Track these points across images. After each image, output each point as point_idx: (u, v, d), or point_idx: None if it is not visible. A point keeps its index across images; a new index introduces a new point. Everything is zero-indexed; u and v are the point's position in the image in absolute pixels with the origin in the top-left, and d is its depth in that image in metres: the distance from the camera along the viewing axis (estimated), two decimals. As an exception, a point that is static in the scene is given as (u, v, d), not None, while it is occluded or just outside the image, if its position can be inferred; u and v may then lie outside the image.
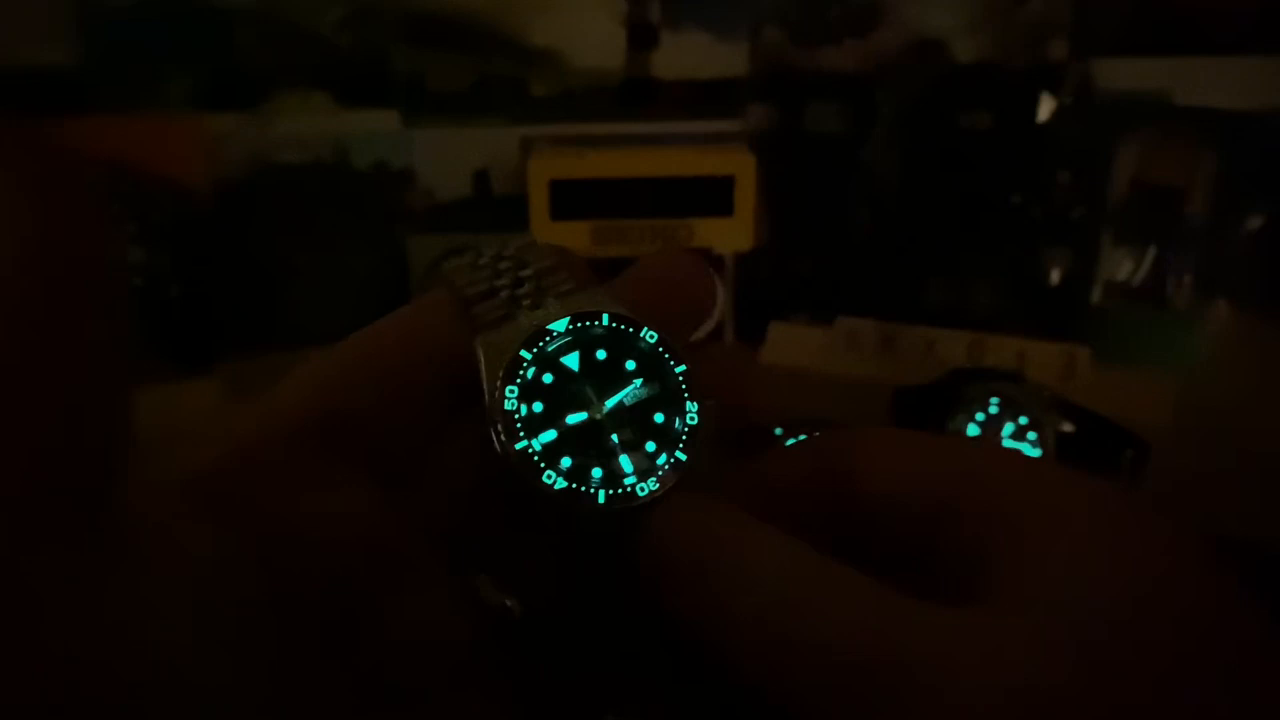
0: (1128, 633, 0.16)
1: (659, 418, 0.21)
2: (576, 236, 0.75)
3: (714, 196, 0.75)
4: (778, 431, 0.60)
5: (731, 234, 0.76)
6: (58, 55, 0.78)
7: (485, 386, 0.20)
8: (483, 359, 0.20)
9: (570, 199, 0.75)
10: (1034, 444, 0.55)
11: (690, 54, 0.81)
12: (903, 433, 0.20)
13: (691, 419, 0.21)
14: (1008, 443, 0.56)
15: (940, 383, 0.62)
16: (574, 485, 0.19)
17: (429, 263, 0.80)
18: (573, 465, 0.20)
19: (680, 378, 0.21)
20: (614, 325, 0.21)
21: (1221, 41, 0.77)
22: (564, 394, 0.20)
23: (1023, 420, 0.56)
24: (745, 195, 0.75)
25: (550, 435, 0.20)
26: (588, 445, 0.20)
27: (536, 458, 0.20)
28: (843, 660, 0.16)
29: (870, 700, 0.16)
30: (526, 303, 0.21)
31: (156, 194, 0.78)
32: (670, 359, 0.21)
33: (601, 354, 0.21)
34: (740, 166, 0.75)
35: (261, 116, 0.80)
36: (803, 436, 0.59)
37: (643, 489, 0.20)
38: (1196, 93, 0.78)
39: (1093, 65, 0.79)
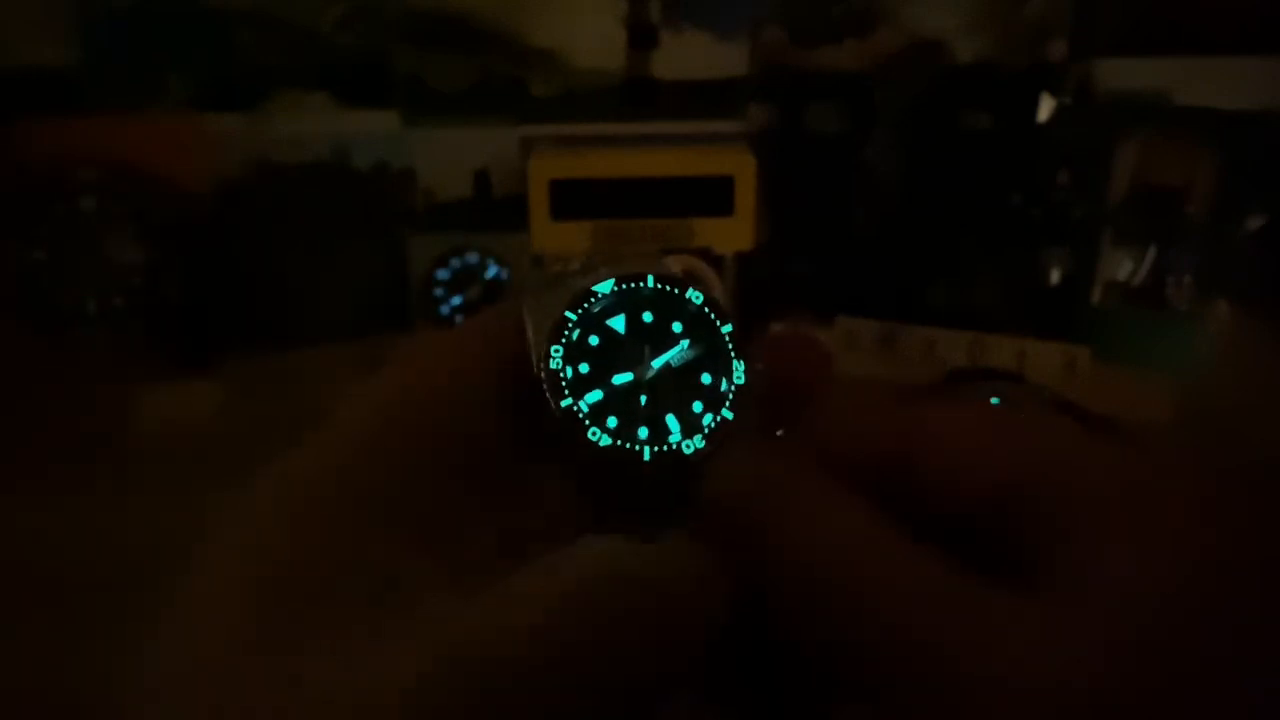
0: (1187, 630, 0.16)
1: (706, 378, 0.21)
2: (576, 236, 0.75)
3: (714, 196, 0.75)
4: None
5: (731, 234, 0.76)
6: (58, 55, 0.78)
7: (532, 348, 0.20)
8: (529, 321, 0.20)
9: (570, 199, 0.75)
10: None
11: (690, 54, 0.81)
12: (965, 411, 0.20)
13: (739, 378, 0.21)
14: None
15: (941, 383, 0.62)
16: (619, 442, 0.19)
17: (429, 262, 0.80)
18: (619, 424, 0.20)
19: (727, 338, 0.21)
20: (660, 286, 0.21)
21: (1221, 41, 0.77)
22: (610, 355, 0.20)
23: (1023, 420, 0.55)
24: (745, 195, 0.75)
25: (596, 395, 0.20)
26: (634, 405, 0.20)
27: (583, 416, 0.20)
28: (909, 636, 0.16)
29: (931, 677, 0.16)
30: (575, 268, 0.21)
31: (156, 194, 0.78)
32: (716, 319, 0.21)
33: (648, 316, 0.21)
34: (740, 166, 0.75)
35: (261, 116, 0.80)
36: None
37: (689, 446, 0.20)
38: (1196, 93, 0.78)
39: (1093, 65, 0.79)
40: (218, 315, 0.79)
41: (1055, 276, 0.80)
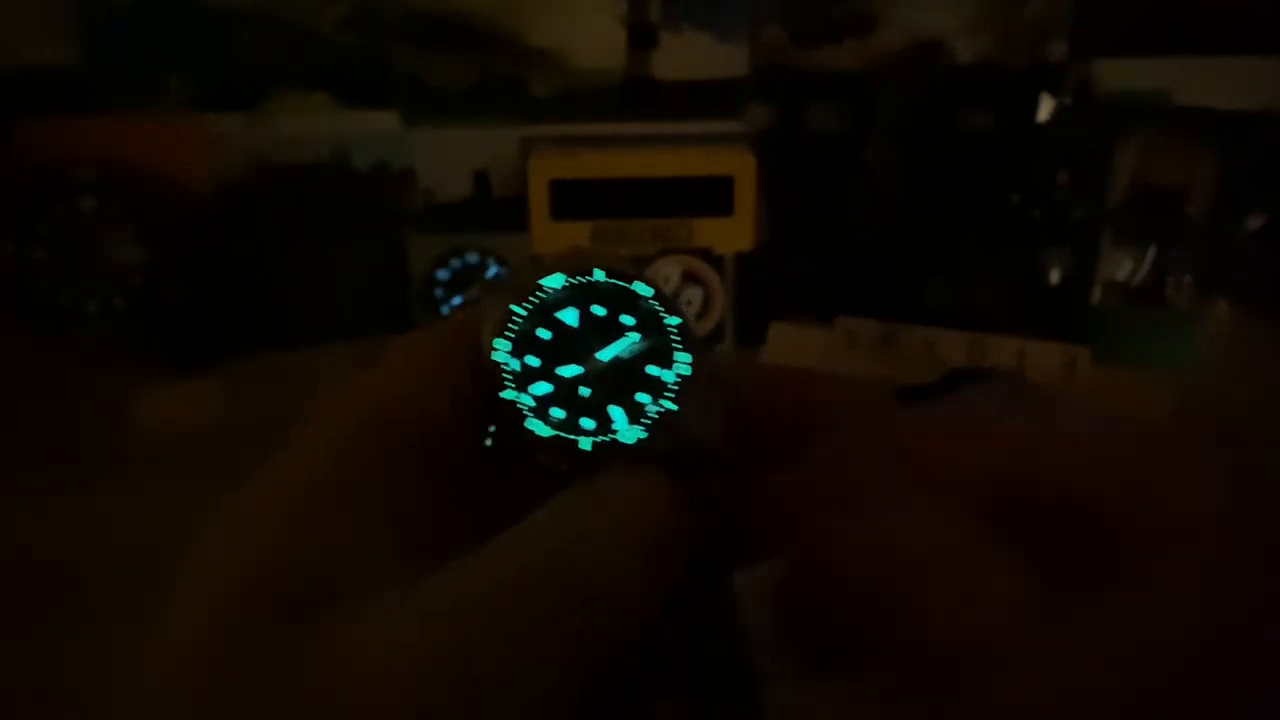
0: (1259, 627, 0.16)
1: (653, 370, 0.21)
2: (576, 236, 0.75)
3: (714, 196, 0.75)
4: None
5: (731, 234, 0.76)
6: (58, 55, 0.78)
7: (483, 341, 0.20)
8: (485, 316, 0.21)
9: (570, 199, 0.75)
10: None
11: (690, 54, 0.81)
12: (1024, 426, 0.20)
13: (684, 370, 0.21)
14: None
15: (941, 383, 0.62)
16: (560, 434, 0.20)
17: (429, 262, 0.80)
18: (566, 416, 0.20)
19: (674, 330, 0.21)
20: (610, 281, 0.21)
21: (1221, 41, 0.77)
22: (560, 348, 0.21)
23: (1023, 420, 0.55)
24: (745, 195, 0.75)
25: (545, 388, 0.20)
26: (581, 397, 0.20)
27: (523, 408, 0.20)
28: (973, 642, 0.16)
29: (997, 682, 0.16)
30: (533, 271, 0.21)
31: (156, 194, 0.78)
32: (665, 312, 0.21)
33: (599, 309, 0.21)
34: (740, 166, 0.75)
35: (262, 116, 0.80)
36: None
37: (629, 436, 0.20)
38: (1196, 93, 0.78)
39: (1093, 65, 0.79)
40: (218, 315, 0.79)
41: (1055, 276, 0.80)
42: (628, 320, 0.21)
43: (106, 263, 0.77)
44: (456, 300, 0.80)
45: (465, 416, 0.20)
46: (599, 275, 0.21)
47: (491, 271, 0.80)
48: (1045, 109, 0.79)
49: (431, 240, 0.80)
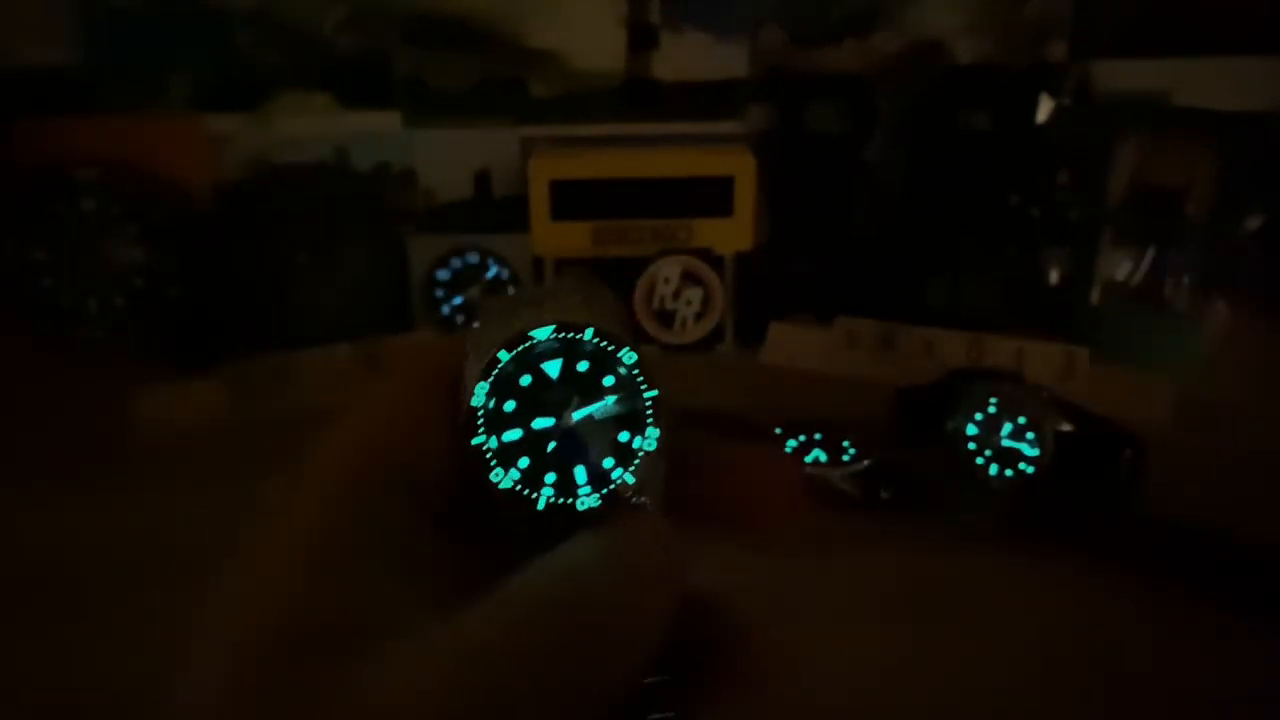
0: None
1: (623, 436, 0.21)
2: (576, 236, 0.76)
3: (714, 196, 0.75)
4: (777, 431, 0.60)
5: (731, 234, 0.76)
6: (58, 55, 0.79)
7: (466, 381, 0.21)
8: (470, 353, 0.21)
9: (570, 199, 0.75)
10: (1032, 444, 0.55)
11: (690, 54, 0.81)
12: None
13: (649, 444, 0.21)
14: (1006, 443, 0.56)
15: (940, 383, 0.62)
16: (517, 487, 0.20)
17: (430, 262, 0.80)
18: (529, 466, 0.21)
19: (649, 403, 0.21)
20: (597, 341, 0.21)
21: (1221, 41, 0.78)
22: (538, 398, 0.21)
23: (1021, 420, 0.56)
24: (745, 195, 0.75)
25: (515, 434, 0.21)
26: (548, 450, 0.21)
27: (489, 454, 0.20)
28: None
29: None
30: (526, 310, 0.22)
31: (156, 194, 0.78)
32: (643, 383, 0.21)
33: (583, 365, 0.21)
34: (740, 167, 0.75)
35: (263, 117, 0.80)
36: (802, 437, 0.59)
37: (582, 504, 0.21)
38: (1196, 93, 0.78)
39: (1093, 65, 0.79)
40: (218, 315, 0.79)
41: (1055, 276, 0.80)
42: (609, 381, 0.21)
43: (106, 263, 0.77)
44: (457, 300, 0.80)
45: (456, 455, 0.21)
46: (588, 334, 0.21)
47: (491, 272, 0.80)
48: (1045, 109, 0.79)
49: (431, 240, 0.80)
